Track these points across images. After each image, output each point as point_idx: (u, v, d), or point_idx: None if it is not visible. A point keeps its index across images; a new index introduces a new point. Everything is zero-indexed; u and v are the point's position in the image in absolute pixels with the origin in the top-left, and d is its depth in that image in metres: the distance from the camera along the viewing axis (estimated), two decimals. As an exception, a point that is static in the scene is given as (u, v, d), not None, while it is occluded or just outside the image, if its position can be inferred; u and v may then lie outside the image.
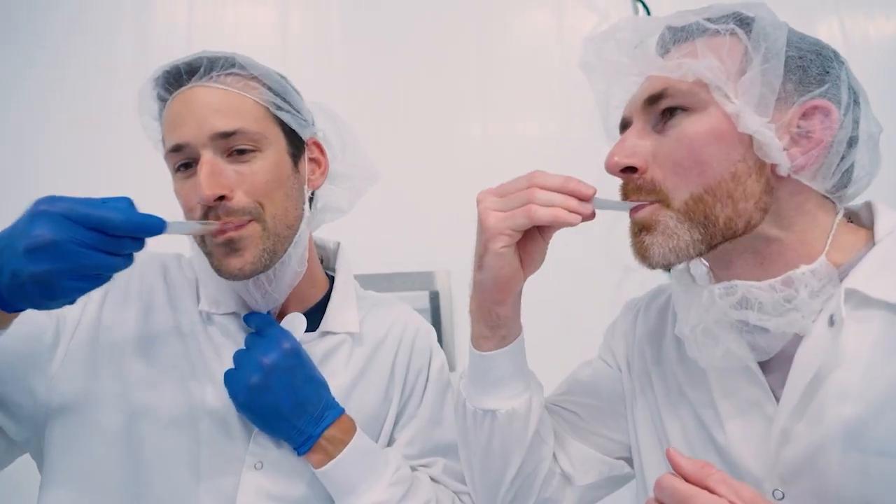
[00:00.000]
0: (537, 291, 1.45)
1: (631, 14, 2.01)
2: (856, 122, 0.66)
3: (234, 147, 0.77)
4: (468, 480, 0.85)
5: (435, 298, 1.79)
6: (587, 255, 1.88)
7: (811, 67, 0.65)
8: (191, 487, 0.76)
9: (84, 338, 0.77)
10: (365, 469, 0.80)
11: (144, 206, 1.62)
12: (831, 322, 0.62)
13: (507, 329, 0.75)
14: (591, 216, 0.66)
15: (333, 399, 0.82)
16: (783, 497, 0.63)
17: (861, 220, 0.71)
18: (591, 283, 1.91)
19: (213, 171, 0.75)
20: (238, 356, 0.78)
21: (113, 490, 0.74)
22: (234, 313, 0.85)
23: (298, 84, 0.91)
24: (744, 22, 0.65)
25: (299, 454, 0.80)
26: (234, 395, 0.77)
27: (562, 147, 1.94)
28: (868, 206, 0.70)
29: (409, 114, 1.89)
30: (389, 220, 1.71)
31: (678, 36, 0.67)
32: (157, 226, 0.59)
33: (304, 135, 0.87)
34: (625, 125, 0.73)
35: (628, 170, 0.68)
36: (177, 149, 0.77)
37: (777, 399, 0.66)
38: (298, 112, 0.85)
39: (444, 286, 1.80)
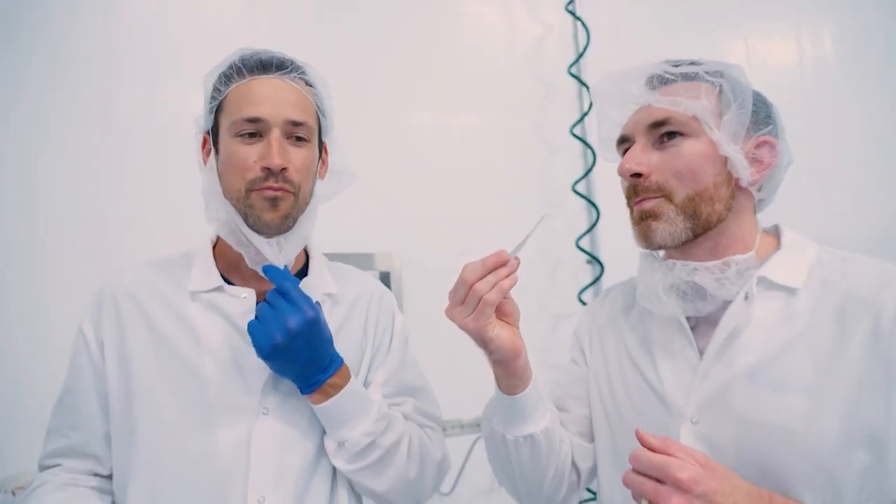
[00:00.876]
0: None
1: (570, 25, 2.22)
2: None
3: (295, 134, 0.94)
4: (513, 494, 1.03)
5: (385, 278, 1.93)
6: (526, 250, 2.08)
7: (760, 112, 0.89)
8: (208, 439, 0.91)
9: (115, 370, 0.96)
10: (356, 407, 0.95)
11: (144, 202, 1.65)
12: (746, 297, 0.85)
13: (528, 371, 0.92)
14: (517, 264, 0.85)
15: (337, 352, 0.96)
16: (698, 422, 0.84)
17: (770, 234, 0.95)
18: (530, 274, 2.10)
19: (282, 148, 0.91)
20: (263, 311, 0.90)
21: (145, 451, 0.91)
22: (217, 288, 0.99)
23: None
24: (723, 76, 0.87)
25: (303, 394, 0.93)
26: (258, 347, 0.89)
27: (501, 137, 2.14)
28: (776, 227, 0.95)
29: (361, 101, 1.99)
30: (342, 203, 1.83)
31: (684, 76, 0.88)
32: None
33: (324, 137, 1.04)
34: (623, 140, 0.93)
35: (635, 175, 0.88)
36: (254, 120, 0.91)
37: (699, 350, 0.87)
38: (329, 119, 1.03)
39: (394, 267, 1.95)
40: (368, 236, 1.96)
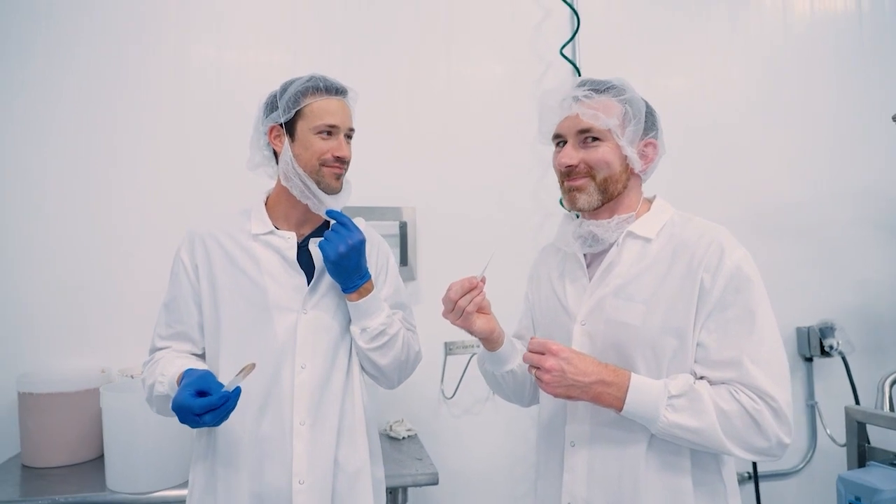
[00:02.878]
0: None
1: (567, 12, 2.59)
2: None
3: (348, 134, 1.43)
4: (504, 399, 1.47)
5: (404, 227, 2.40)
6: (520, 205, 2.53)
7: (648, 121, 1.28)
8: (270, 329, 1.39)
9: (206, 285, 1.42)
10: (376, 306, 1.42)
11: (157, 193, 2.27)
12: (618, 245, 1.27)
13: (501, 336, 1.32)
14: (484, 283, 1.25)
15: (368, 269, 1.43)
16: (585, 323, 1.28)
17: (648, 201, 1.35)
18: (522, 225, 2.57)
19: (347, 145, 1.41)
20: (330, 234, 1.36)
21: (230, 337, 1.40)
22: (270, 232, 1.45)
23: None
24: (628, 101, 1.25)
25: (345, 292, 1.40)
26: (327, 255, 1.34)
27: (511, 88, 2.57)
28: (654, 197, 1.35)
29: (380, 58, 2.45)
30: (365, 160, 2.12)
31: (599, 91, 1.25)
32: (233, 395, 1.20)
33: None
34: (557, 136, 1.30)
35: (569, 167, 1.26)
36: (332, 126, 1.39)
37: (590, 278, 1.31)
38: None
39: (410, 218, 2.41)
40: (397, 190, 2.43)
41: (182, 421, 1.20)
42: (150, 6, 2.29)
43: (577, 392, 1.14)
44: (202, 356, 1.46)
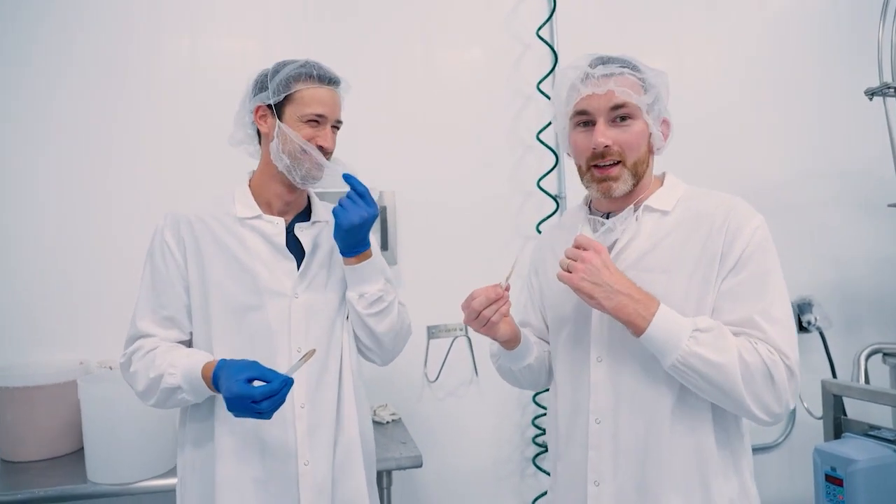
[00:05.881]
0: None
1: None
2: None
3: (335, 126, 1.43)
4: (517, 387, 1.51)
5: (384, 212, 2.39)
6: (499, 187, 2.53)
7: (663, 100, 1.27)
8: (263, 314, 1.39)
9: (193, 267, 1.41)
10: (374, 272, 1.43)
11: (159, 182, 2.18)
12: (636, 219, 1.26)
13: (519, 336, 1.33)
14: (508, 292, 1.23)
15: (369, 239, 1.44)
16: None
17: (658, 178, 1.35)
18: (501, 207, 2.57)
19: (333, 135, 1.41)
20: (346, 203, 1.36)
21: (222, 321, 1.39)
22: (257, 216, 1.44)
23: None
24: (651, 80, 1.23)
25: (348, 256, 1.41)
26: (339, 223, 1.35)
27: (489, 71, 2.57)
28: (664, 174, 1.35)
29: (358, 43, 2.43)
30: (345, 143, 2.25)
31: (629, 67, 1.22)
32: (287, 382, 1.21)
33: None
34: (582, 112, 1.23)
35: (606, 147, 1.21)
36: (320, 115, 1.39)
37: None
38: None
39: (390, 202, 2.40)
40: (376, 174, 2.36)
41: (231, 408, 1.21)
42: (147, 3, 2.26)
43: (601, 294, 1.13)
44: (189, 342, 1.44)
